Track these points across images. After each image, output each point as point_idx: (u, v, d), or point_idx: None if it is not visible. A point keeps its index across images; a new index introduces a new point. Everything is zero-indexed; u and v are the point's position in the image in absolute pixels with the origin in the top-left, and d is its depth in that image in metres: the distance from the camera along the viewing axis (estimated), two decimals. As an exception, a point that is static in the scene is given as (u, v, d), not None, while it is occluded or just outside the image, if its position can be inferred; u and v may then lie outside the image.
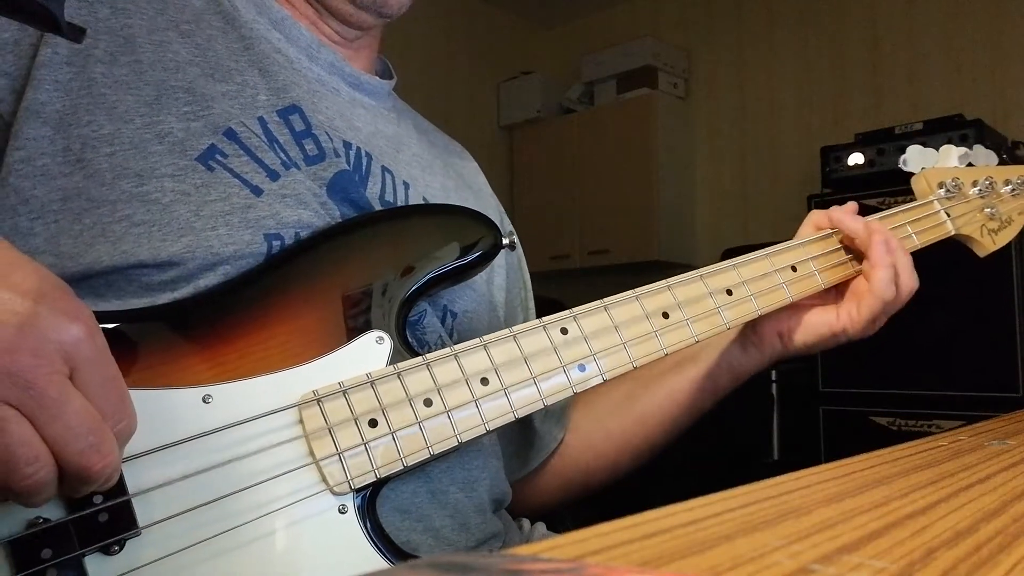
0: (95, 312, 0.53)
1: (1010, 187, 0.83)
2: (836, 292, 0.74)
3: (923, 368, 2.27)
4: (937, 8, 3.07)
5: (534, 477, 0.84)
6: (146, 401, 0.49)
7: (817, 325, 0.73)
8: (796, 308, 0.74)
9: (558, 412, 0.83)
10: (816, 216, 0.76)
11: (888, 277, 0.70)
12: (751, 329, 0.77)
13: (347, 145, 0.68)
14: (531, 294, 0.89)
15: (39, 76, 0.57)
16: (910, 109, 3.04)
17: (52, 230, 0.55)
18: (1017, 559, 0.26)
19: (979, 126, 2.33)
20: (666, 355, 0.62)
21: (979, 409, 2.12)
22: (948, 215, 0.79)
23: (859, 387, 2.39)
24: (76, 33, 0.44)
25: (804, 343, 0.74)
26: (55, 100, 0.57)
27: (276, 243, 0.59)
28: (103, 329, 0.43)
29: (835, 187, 2.57)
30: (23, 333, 0.38)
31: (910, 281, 0.72)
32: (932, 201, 0.79)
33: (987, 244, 0.81)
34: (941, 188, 0.80)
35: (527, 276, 0.89)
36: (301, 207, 0.61)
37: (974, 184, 0.81)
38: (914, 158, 0.83)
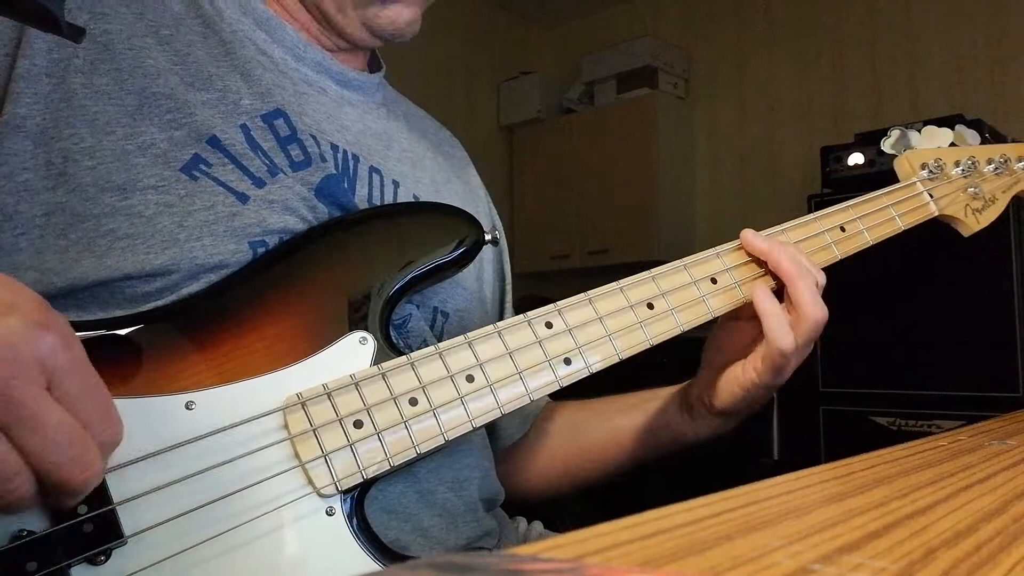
0: (76, 322, 0.53)
1: (993, 166, 0.83)
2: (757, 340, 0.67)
3: (923, 368, 2.27)
4: (937, 8, 3.07)
5: (502, 464, 0.83)
6: (128, 409, 0.48)
7: (730, 384, 0.68)
8: (716, 371, 0.70)
9: (525, 412, 0.82)
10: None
11: (775, 323, 0.62)
12: (686, 393, 0.74)
13: (334, 148, 0.67)
14: (509, 286, 0.89)
15: (17, 89, 0.56)
16: (910, 109, 3.04)
17: (37, 246, 0.54)
18: (1017, 559, 0.26)
19: (979, 126, 2.33)
20: (651, 345, 0.62)
21: (979, 409, 2.12)
22: (931, 196, 0.78)
23: (859, 387, 2.39)
24: (76, 33, 0.44)
25: (725, 407, 0.69)
26: (35, 113, 0.56)
27: (261, 250, 0.59)
28: (84, 338, 0.43)
29: (835, 187, 2.57)
30: None
31: (809, 313, 0.62)
32: (915, 183, 0.78)
33: (971, 224, 0.80)
34: (924, 169, 0.79)
35: (508, 267, 0.89)
36: (288, 213, 0.60)
37: (956, 164, 0.81)
38: (895, 140, 0.82)
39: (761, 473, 0.38)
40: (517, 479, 0.84)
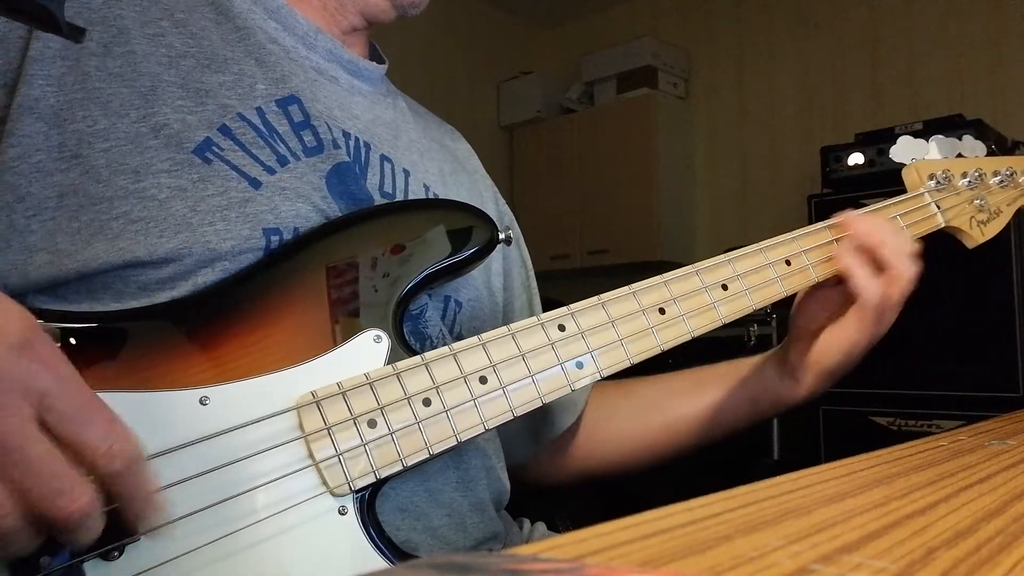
0: (90, 313, 0.52)
1: (999, 178, 0.84)
2: (848, 302, 0.72)
3: (923, 368, 2.27)
4: (937, 8, 3.07)
5: (552, 456, 0.85)
6: (143, 404, 0.48)
7: (833, 344, 0.72)
8: (816, 334, 0.73)
9: (574, 398, 0.83)
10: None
11: (862, 281, 0.67)
12: (784, 359, 0.77)
13: (346, 135, 0.67)
14: (532, 273, 0.89)
15: (31, 71, 0.56)
16: (910, 109, 3.04)
17: (49, 227, 0.54)
18: (1017, 559, 0.26)
19: (979, 126, 2.33)
20: (663, 351, 0.62)
21: (979, 409, 2.12)
22: (938, 207, 0.79)
23: (859, 387, 2.39)
24: (76, 33, 0.44)
25: (829, 367, 0.73)
26: (49, 95, 0.56)
27: (275, 238, 0.58)
28: (98, 330, 0.42)
29: (835, 187, 2.57)
30: None
31: (902, 271, 0.68)
32: (923, 193, 0.79)
33: (976, 236, 0.81)
34: (931, 180, 0.80)
35: (526, 255, 0.89)
36: (300, 200, 0.60)
37: (964, 176, 0.82)
38: (904, 149, 0.82)
39: (761, 473, 0.38)
40: (577, 461, 0.86)
